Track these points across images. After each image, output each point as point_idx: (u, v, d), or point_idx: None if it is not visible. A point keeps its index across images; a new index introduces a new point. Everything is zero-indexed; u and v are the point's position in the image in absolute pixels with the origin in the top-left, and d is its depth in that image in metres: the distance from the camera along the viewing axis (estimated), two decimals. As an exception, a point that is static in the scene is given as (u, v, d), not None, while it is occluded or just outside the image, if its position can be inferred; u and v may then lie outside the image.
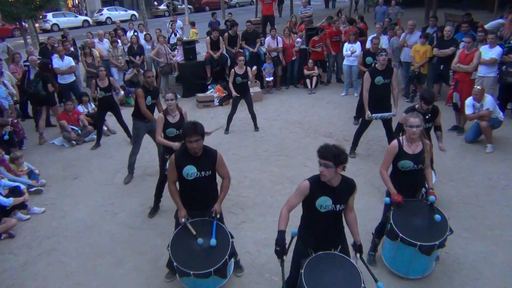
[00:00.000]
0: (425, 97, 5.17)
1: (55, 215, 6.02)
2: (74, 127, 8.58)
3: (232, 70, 8.28)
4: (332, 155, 3.17)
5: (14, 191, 5.98)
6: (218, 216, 4.08)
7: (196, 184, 4.01)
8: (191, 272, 3.73)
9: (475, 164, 6.66)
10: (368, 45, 9.96)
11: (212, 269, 3.74)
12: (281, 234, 3.35)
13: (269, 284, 4.44)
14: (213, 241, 3.88)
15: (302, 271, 3.31)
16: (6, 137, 7.41)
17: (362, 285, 3.18)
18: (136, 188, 6.57)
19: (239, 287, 4.41)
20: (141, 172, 7.05)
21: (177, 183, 4.16)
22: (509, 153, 6.92)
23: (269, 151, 7.66)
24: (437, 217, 4.03)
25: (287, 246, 3.37)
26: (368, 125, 7.02)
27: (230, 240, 3.98)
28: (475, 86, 7.04)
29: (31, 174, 6.90)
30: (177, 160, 3.98)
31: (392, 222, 4.08)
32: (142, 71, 11.56)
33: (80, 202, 6.31)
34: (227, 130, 8.62)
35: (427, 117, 5.20)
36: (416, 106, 5.31)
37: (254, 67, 9.46)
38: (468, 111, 7.05)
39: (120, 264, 4.87)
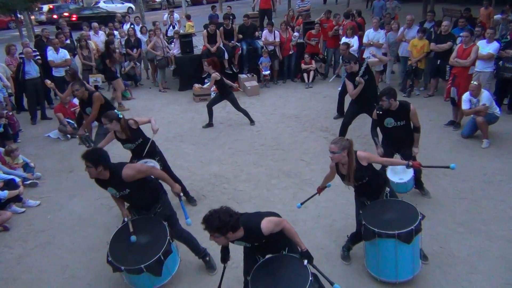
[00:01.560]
0: (382, 93, 5.18)
1: (51, 208, 6.01)
2: (70, 121, 8.54)
3: (214, 75, 7.92)
4: (216, 227, 3.18)
5: (9, 184, 5.95)
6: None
7: (128, 199, 4.22)
8: (122, 267, 3.83)
9: (471, 159, 6.67)
10: (365, 40, 9.95)
11: (143, 266, 3.80)
12: None
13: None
14: (188, 221, 4.07)
15: (249, 278, 3.40)
16: (1, 129, 7.41)
17: (310, 278, 3.21)
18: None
19: (234, 281, 4.41)
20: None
21: None
22: (505, 149, 6.93)
23: (266, 145, 7.65)
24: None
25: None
26: (351, 119, 7.06)
27: (167, 238, 4.01)
28: (472, 82, 7.03)
29: (26, 167, 6.87)
30: (98, 184, 4.19)
31: (364, 223, 4.10)
32: (139, 64, 11.57)
33: (75, 195, 6.30)
34: (208, 125, 8.62)
35: (394, 112, 5.19)
36: (380, 103, 5.26)
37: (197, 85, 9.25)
38: (464, 106, 7.05)
39: (115, 258, 4.86)
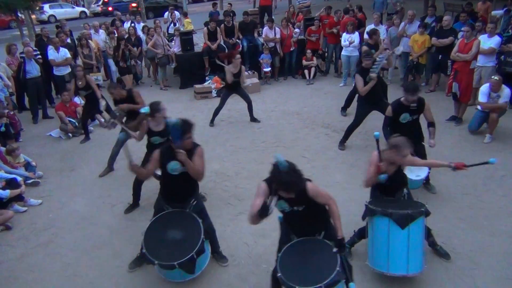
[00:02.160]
0: (409, 88, 5.16)
1: (52, 207, 6.02)
2: (71, 119, 8.54)
3: (227, 67, 8.16)
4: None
5: (11, 183, 5.96)
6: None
7: (179, 179, 4.15)
8: (156, 262, 3.86)
9: (473, 155, 6.64)
10: (365, 36, 9.91)
11: (175, 263, 3.82)
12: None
13: (266, 275, 4.42)
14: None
15: (280, 255, 3.41)
16: (3, 129, 7.41)
17: (337, 268, 3.20)
18: (132, 180, 6.54)
19: (236, 278, 4.42)
20: (138, 163, 7.00)
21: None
22: (507, 144, 6.91)
23: (267, 142, 7.64)
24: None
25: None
26: (361, 121, 6.97)
27: (202, 237, 4.02)
28: (493, 77, 6.88)
29: (28, 166, 6.87)
30: (162, 157, 4.10)
31: (367, 204, 4.19)
32: (140, 63, 11.56)
33: (77, 194, 6.31)
34: (212, 123, 8.55)
35: (411, 107, 5.22)
36: (402, 98, 5.28)
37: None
38: (482, 98, 6.93)
39: (117, 256, 4.87)
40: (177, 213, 4.24)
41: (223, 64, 8.66)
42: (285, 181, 3.10)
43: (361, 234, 4.51)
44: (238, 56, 8.32)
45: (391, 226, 3.94)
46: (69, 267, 4.77)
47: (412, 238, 3.96)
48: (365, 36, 9.83)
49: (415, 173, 5.14)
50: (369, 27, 9.97)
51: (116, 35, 11.25)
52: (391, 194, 4.34)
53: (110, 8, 28.19)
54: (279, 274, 3.28)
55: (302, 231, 3.58)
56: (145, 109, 5.19)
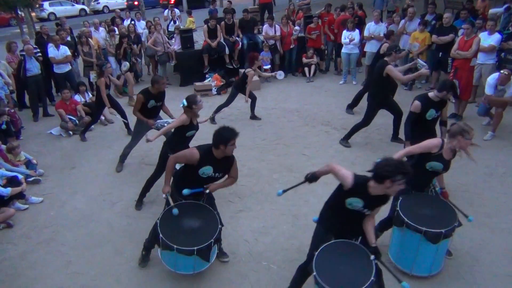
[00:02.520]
0: (446, 85, 5.15)
1: (53, 204, 6.02)
2: (72, 117, 8.55)
3: (252, 72, 8.03)
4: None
5: (12, 181, 5.95)
6: (208, 191, 4.21)
7: (205, 181, 4.18)
8: (175, 247, 3.83)
9: (473, 152, 6.63)
10: (366, 33, 9.91)
11: (195, 248, 3.82)
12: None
13: (267, 272, 4.46)
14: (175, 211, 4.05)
15: (317, 253, 3.36)
16: (4, 126, 7.39)
17: (372, 278, 3.16)
18: (134, 177, 6.57)
19: (236, 275, 4.43)
20: (139, 161, 7.05)
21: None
22: (507, 141, 6.92)
23: (267, 139, 7.65)
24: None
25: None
26: (370, 122, 6.93)
27: (219, 226, 4.06)
28: (502, 71, 6.86)
29: (28, 164, 6.88)
30: (200, 158, 4.05)
31: (398, 209, 4.08)
32: (139, 60, 11.55)
33: (78, 192, 6.32)
34: (213, 120, 8.52)
35: (438, 99, 5.20)
36: (430, 94, 5.25)
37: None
38: (489, 90, 6.91)
39: (118, 253, 4.89)
40: (192, 204, 4.22)
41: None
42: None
43: (384, 225, 4.48)
44: (251, 72, 8.12)
45: (422, 241, 3.93)
46: (70, 264, 4.78)
47: (441, 249, 4.03)
48: (365, 33, 9.85)
49: None
50: (369, 24, 9.96)
51: (117, 32, 11.25)
52: (421, 187, 4.30)
53: (136, 3, 27.60)
54: (314, 273, 3.24)
55: (344, 232, 3.54)
56: (182, 103, 5.20)
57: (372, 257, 3.31)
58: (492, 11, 11.13)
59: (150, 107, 6.25)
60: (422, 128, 5.26)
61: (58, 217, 5.71)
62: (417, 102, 5.23)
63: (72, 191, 6.35)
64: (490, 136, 6.97)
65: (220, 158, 4.08)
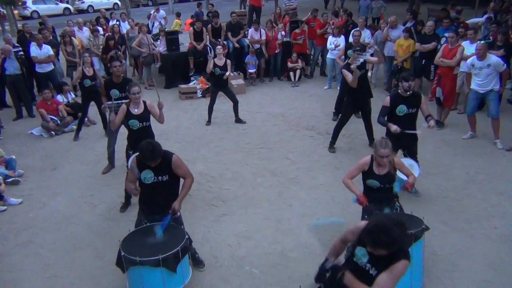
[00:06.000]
0: (403, 76, 5.31)
1: (33, 206, 5.91)
2: (53, 117, 8.41)
3: (212, 60, 8.20)
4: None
5: (-11, 182, 5.85)
6: (176, 214, 4.12)
7: (153, 188, 4.05)
8: (138, 259, 3.67)
9: (454, 159, 6.75)
10: (350, 39, 9.98)
11: (160, 257, 3.66)
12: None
13: (249, 277, 4.44)
14: (159, 233, 3.93)
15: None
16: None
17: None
18: (116, 179, 6.48)
19: (218, 280, 4.40)
20: (122, 163, 6.93)
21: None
22: (487, 148, 7.03)
23: (252, 143, 7.64)
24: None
25: None
26: (347, 120, 7.08)
27: (186, 237, 3.97)
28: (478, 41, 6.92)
29: (8, 164, 6.73)
30: (138, 163, 4.01)
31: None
32: (124, 62, 11.43)
33: (58, 193, 6.21)
34: (209, 121, 8.56)
35: (407, 94, 5.27)
36: (399, 90, 5.37)
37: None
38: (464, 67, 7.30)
39: (98, 257, 4.81)
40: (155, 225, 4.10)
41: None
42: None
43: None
44: (219, 47, 8.40)
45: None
46: (49, 267, 4.69)
47: (415, 257, 3.73)
48: (350, 39, 9.92)
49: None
50: (354, 31, 10.03)
51: (101, 32, 11.14)
52: (383, 207, 4.18)
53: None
54: None
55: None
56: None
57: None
58: (472, 20, 11.34)
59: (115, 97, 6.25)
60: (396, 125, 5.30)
61: (37, 219, 5.60)
62: (387, 97, 5.54)
63: (52, 192, 6.25)
64: (501, 144, 6.97)
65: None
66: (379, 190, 4.20)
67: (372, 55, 7.08)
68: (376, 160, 4.11)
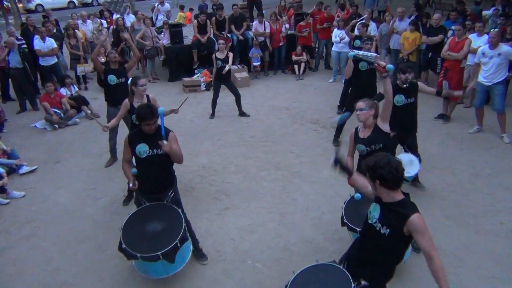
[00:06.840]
0: (400, 68, 5.31)
1: (36, 199, 5.90)
2: (57, 110, 8.39)
3: (214, 55, 8.15)
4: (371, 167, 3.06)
5: (-7, 175, 5.84)
6: (165, 143, 4.01)
7: (149, 162, 4.06)
8: (138, 255, 3.76)
9: (460, 153, 6.68)
10: (356, 32, 9.88)
11: (160, 253, 3.73)
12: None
13: (252, 271, 4.41)
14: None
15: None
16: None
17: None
18: (119, 173, 6.40)
19: (221, 274, 4.38)
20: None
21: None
22: (494, 142, 6.95)
23: (255, 137, 7.59)
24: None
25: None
26: (352, 113, 6.98)
27: (183, 225, 3.97)
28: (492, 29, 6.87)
29: (11, 155, 6.72)
30: (130, 139, 4.10)
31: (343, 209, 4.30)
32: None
33: (61, 187, 6.20)
34: (212, 115, 8.52)
35: (404, 86, 5.27)
36: (397, 81, 5.32)
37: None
38: (474, 58, 7.17)
39: (101, 250, 4.80)
40: (155, 206, 4.17)
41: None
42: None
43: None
44: (221, 41, 8.29)
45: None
46: (52, 260, 4.68)
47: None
48: (356, 31, 9.82)
49: (405, 169, 5.10)
50: (358, 22, 9.93)
51: (105, 25, 11.09)
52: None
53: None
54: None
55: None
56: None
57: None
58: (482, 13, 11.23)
59: (112, 83, 6.35)
60: (394, 115, 5.19)
61: (40, 212, 5.59)
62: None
63: (55, 185, 6.23)
64: (508, 139, 6.94)
65: (152, 133, 4.01)
66: (369, 155, 4.13)
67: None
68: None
